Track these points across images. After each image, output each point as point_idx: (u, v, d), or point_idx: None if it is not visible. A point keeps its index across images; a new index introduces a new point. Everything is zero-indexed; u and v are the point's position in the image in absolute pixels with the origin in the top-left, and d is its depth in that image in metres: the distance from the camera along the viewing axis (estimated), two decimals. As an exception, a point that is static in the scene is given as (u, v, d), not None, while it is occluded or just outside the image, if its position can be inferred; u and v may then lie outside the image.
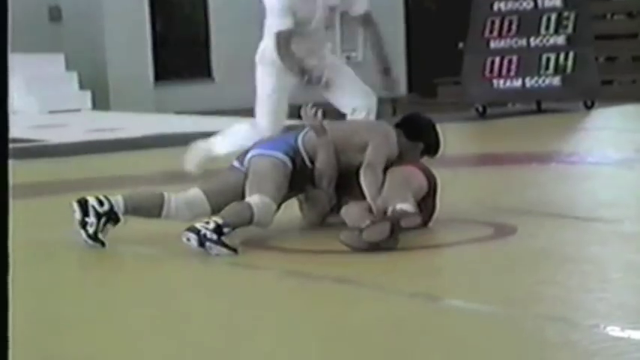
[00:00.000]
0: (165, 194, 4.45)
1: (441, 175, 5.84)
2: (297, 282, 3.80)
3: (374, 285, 3.73)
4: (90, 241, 4.28)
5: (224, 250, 4.10)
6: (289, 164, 4.47)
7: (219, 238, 4.09)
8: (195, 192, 4.47)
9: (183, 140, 9.86)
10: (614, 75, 14.10)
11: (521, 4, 11.59)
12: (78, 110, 14.59)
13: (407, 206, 4.15)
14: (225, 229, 4.13)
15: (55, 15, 16.46)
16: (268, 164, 4.45)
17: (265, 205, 4.30)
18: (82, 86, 15.40)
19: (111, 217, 4.29)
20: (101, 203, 4.27)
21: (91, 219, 4.26)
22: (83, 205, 4.28)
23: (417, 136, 4.69)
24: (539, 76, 11.36)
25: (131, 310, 3.47)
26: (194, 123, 11.92)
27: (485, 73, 11.34)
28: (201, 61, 17.07)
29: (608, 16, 15.00)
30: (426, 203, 4.45)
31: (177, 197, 4.45)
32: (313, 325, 3.16)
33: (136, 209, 4.41)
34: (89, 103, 15.11)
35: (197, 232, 4.09)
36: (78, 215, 4.28)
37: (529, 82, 11.29)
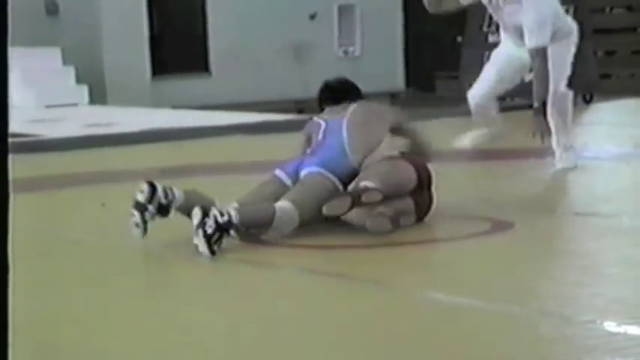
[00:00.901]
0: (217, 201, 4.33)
1: (438, 169, 5.83)
2: (297, 277, 3.80)
3: (370, 280, 3.73)
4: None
5: (204, 247, 4.01)
6: (340, 188, 4.39)
7: (218, 235, 4.03)
8: (233, 205, 4.30)
9: (180, 135, 9.90)
10: (613, 69, 14.09)
11: (519, -2, 11.55)
12: (75, 105, 14.57)
13: (369, 183, 4.19)
14: (232, 231, 4.08)
15: (52, 9, 16.43)
16: (319, 182, 4.36)
17: (289, 214, 4.23)
18: (78, 81, 15.38)
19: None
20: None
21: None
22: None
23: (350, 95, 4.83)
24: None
25: (132, 306, 3.47)
26: (191, 117, 11.91)
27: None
28: (199, 56, 17.06)
29: (607, 9, 14.98)
30: (421, 197, 4.45)
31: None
32: (313, 320, 3.16)
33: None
34: (86, 98, 15.09)
35: (203, 219, 4.02)
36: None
37: (527, 77, 11.26)
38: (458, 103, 11.86)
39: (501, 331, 2.94)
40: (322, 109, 4.79)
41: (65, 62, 15.49)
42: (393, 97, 16.86)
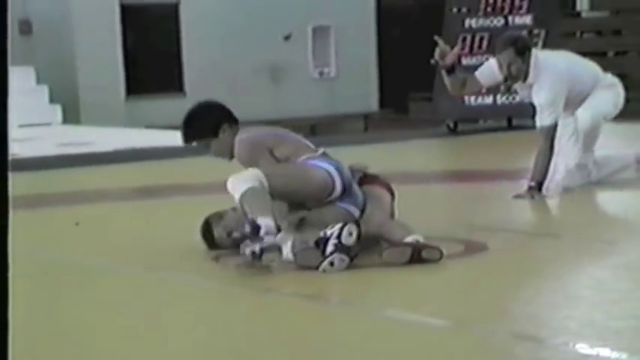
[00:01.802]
0: None
1: (411, 191, 5.86)
2: (266, 297, 3.80)
3: (344, 301, 3.73)
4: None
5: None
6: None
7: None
8: None
9: (155, 154, 9.88)
10: (584, 92, 14.21)
11: (492, 21, 11.68)
12: (48, 124, 14.52)
13: (419, 237, 4.19)
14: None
15: (25, 28, 16.39)
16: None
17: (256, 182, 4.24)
18: (52, 100, 15.33)
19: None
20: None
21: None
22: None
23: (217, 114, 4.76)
24: (510, 93, 11.45)
25: (103, 327, 3.45)
26: (165, 137, 11.89)
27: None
28: (173, 76, 17.06)
29: (578, 34, 15.15)
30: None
31: None
32: (283, 341, 3.16)
33: None
34: (60, 117, 15.04)
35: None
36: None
37: (500, 99, 11.37)
38: (431, 124, 11.95)
39: (474, 354, 2.96)
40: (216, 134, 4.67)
41: (39, 81, 15.45)
42: (366, 119, 16.93)
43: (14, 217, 5.34)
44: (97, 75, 16.10)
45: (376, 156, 6.30)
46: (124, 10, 16.70)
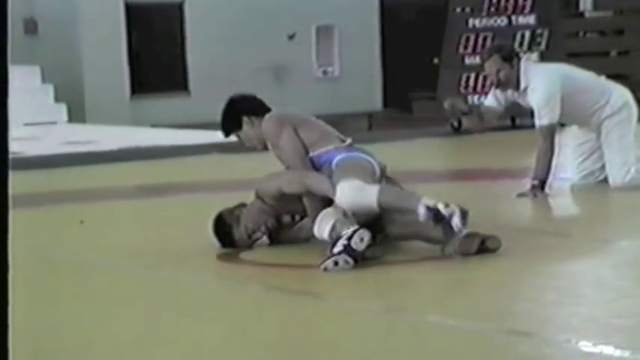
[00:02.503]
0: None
1: (415, 190, 5.87)
2: (273, 297, 3.82)
3: (345, 299, 3.75)
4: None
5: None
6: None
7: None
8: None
9: (159, 153, 9.90)
10: (587, 92, 14.21)
11: (495, 21, 11.70)
12: (54, 123, 14.55)
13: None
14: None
15: (31, 28, 16.42)
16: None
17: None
18: (57, 99, 15.36)
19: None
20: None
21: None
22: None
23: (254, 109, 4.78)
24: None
25: (105, 325, 3.47)
26: (170, 136, 11.92)
27: (460, 88, 11.43)
28: (178, 75, 17.08)
29: (581, 34, 15.15)
30: None
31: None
32: (281, 340, 3.17)
33: None
34: (65, 116, 15.07)
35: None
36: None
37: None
38: (435, 123, 11.96)
39: (478, 351, 2.97)
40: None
41: (44, 80, 15.47)
42: (370, 118, 16.94)
43: (20, 215, 5.38)
44: (102, 74, 16.13)
45: (380, 155, 6.30)
46: (129, 9, 16.72)
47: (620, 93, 6.27)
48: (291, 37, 17.88)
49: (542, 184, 5.87)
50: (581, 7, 15.87)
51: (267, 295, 3.84)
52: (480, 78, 11.42)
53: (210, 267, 4.33)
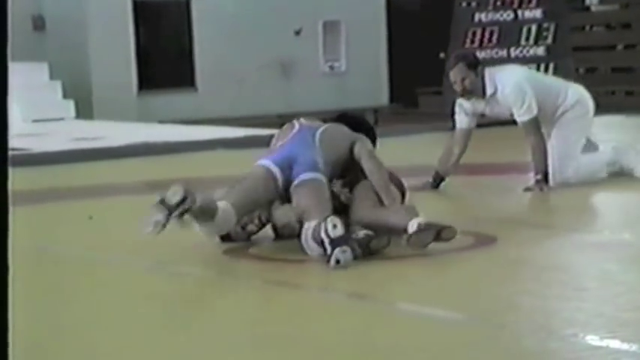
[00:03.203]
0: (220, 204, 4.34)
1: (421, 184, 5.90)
2: (277, 291, 3.84)
3: (353, 294, 3.77)
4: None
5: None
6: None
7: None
8: (224, 206, 4.30)
9: (167, 149, 9.92)
10: (593, 86, 14.19)
11: (501, 15, 11.69)
12: (61, 119, 14.57)
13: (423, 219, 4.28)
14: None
15: (39, 24, 16.44)
16: (318, 194, 4.38)
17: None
18: (65, 95, 15.38)
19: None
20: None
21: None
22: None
23: (358, 131, 4.74)
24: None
25: (113, 320, 3.49)
26: (177, 132, 11.94)
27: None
28: (185, 71, 17.09)
29: (587, 27, 15.13)
30: None
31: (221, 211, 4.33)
32: (286, 332, 3.19)
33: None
34: (73, 112, 15.09)
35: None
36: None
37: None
38: (441, 118, 11.95)
39: (484, 346, 2.99)
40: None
41: (52, 77, 15.49)
42: (376, 113, 16.94)
43: (28, 212, 5.43)
44: (109, 70, 16.15)
45: (386, 150, 6.32)
46: (137, 5, 16.74)
47: (574, 89, 6.31)
48: (297, 33, 17.88)
49: (546, 177, 5.89)
50: (588, 1, 15.86)
51: (273, 289, 3.86)
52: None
53: (216, 262, 4.35)
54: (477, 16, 11.71)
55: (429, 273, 4.12)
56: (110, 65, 16.14)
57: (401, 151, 6.32)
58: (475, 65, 5.95)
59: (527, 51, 11.44)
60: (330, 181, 4.52)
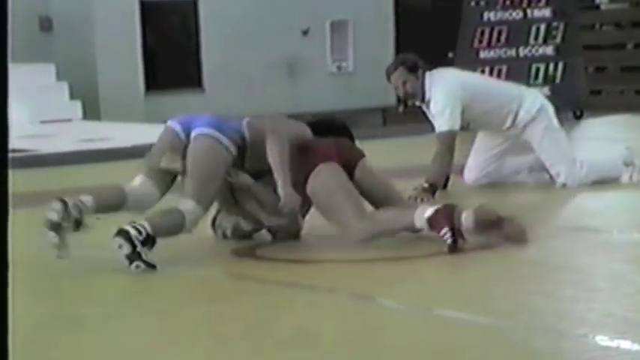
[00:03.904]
0: (126, 189, 4.40)
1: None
2: (285, 292, 3.82)
3: (361, 295, 3.75)
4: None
5: (143, 266, 4.06)
6: (233, 152, 4.33)
7: (146, 250, 4.07)
8: (141, 180, 4.38)
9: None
10: (603, 85, 14.17)
11: (510, 14, 11.65)
12: (69, 120, 14.59)
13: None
14: (149, 245, 4.10)
15: (46, 25, 16.48)
16: (211, 156, 4.29)
17: (197, 215, 4.24)
18: (72, 96, 15.41)
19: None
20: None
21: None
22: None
23: (328, 132, 4.64)
24: (529, 85, 11.40)
25: (121, 320, 3.48)
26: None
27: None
28: (192, 72, 17.11)
29: (597, 26, 15.08)
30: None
31: (132, 191, 4.38)
32: (297, 333, 3.17)
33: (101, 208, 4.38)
34: (80, 113, 15.12)
35: (132, 244, 4.05)
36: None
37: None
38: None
39: (495, 346, 2.97)
40: None
41: (59, 78, 15.52)
42: (384, 113, 16.92)
43: (35, 213, 5.38)
44: (116, 71, 16.17)
45: (395, 150, 6.31)
46: (144, 6, 16.76)
47: (533, 97, 6.22)
48: (305, 33, 17.88)
49: (434, 189, 5.71)
50: (597, 0, 15.81)
51: (281, 290, 3.84)
52: (495, 71, 11.38)
53: (224, 262, 4.33)
54: (485, 15, 11.68)
55: (439, 274, 4.09)
56: (117, 66, 16.16)
57: (410, 151, 6.29)
58: (415, 69, 5.93)
59: (537, 50, 11.41)
60: (256, 177, 4.45)
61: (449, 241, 4.09)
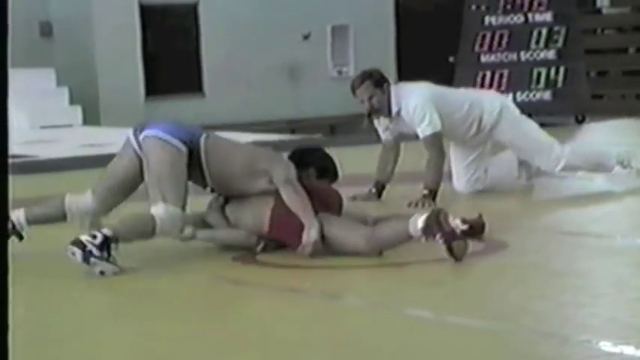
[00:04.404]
0: (66, 199, 4.47)
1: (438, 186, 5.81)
2: (286, 297, 3.81)
3: (362, 300, 3.73)
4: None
5: (109, 267, 4.05)
6: (184, 151, 4.31)
7: (104, 253, 4.05)
8: (87, 195, 4.46)
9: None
10: (605, 89, 14.16)
11: (512, 18, 11.66)
12: (69, 125, 14.60)
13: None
14: (114, 245, 4.08)
15: (46, 30, 16.49)
16: (165, 157, 4.27)
17: (172, 215, 4.21)
18: (72, 101, 15.42)
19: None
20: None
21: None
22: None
23: (307, 164, 4.64)
24: (530, 90, 11.42)
25: (123, 324, 3.46)
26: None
27: (476, 87, 11.39)
28: (192, 76, 17.11)
29: (599, 30, 15.07)
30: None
31: (76, 205, 4.45)
32: (300, 339, 3.16)
33: (38, 219, 4.48)
34: (80, 119, 15.13)
35: (83, 247, 4.03)
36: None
37: (520, 97, 11.34)
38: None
39: (497, 351, 2.95)
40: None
41: (59, 83, 15.53)
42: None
43: (36, 218, 5.22)
44: (116, 76, 16.17)
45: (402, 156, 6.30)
46: (144, 10, 16.77)
47: (491, 99, 6.22)
48: (306, 37, 17.88)
49: (434, 194, 5.71)
50: (599, 4, 15.81)
51: (282, 295, 3.83)
52: (497, 76, 11.38)
53: (225, 269, 4.31)
54: (486, 20, 11.69)
55: (439, 278, 4.07)
56: (117, 71, 16.17)
57: (412, 156, 6.27)
58: (381, 83, 5.89)
59: (538, 54, 11.41)
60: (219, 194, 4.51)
61: (444, 246, 4.08)
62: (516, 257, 4.33)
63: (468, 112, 6.00)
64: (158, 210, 4.20)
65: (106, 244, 4.06)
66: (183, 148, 4.31)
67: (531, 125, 6.18)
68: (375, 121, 6.14)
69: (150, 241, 4.36)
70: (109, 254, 4.07)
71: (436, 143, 5.83)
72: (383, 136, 6.16)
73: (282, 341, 3.16)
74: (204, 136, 4.44)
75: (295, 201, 4.32)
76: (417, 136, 5.95)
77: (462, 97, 6.19)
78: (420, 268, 4.16)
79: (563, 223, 5.53)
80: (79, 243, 4.04)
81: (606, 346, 2.89)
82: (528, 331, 3.11)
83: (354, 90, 5.98)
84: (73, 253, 4.05)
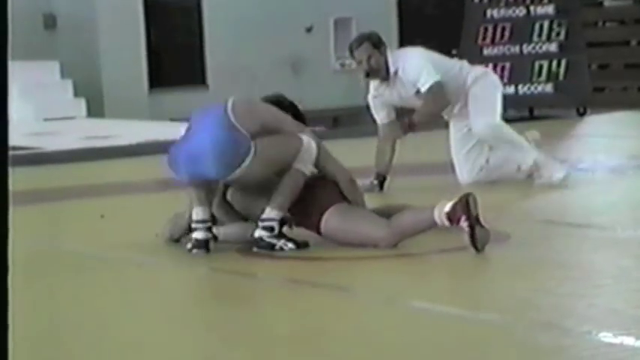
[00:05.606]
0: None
1: (434, 181, 5.87)
2: (293, 289, 3.83)
3: (364, 291, 3.75)
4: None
5: (289, 244, 4.26)
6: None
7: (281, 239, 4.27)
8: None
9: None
10: (606, 82, 14.15)
11: (514, 11, 11.65)
12: (73, 118, 14.61)
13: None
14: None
15: (50, 23, 16.48)
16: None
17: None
18: (76, 94, 15.42)
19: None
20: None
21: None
22: None
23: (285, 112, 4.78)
24: (532, 83, 11.41)
25: (130, 318, 3.49)
26: (188, 130, 11.92)
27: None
28: (196, 69, 17.10)
29: (600, 23, 15.05)
30: None
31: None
32: (303, 331, 3.18)
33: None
34: (84, 111, 15.13)
35: (271, 247, 4.25)
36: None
37: (522, 89, 11.35)
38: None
39: (498, 343, 2.97)
40: None
41: (63, 75, 15.53)
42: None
43: (39, 210, 5.41)
44: (120, 69, 16.17)
45: (399, 147, 6.33)
46: (147, 4, 16.76)
47: (479, 67, 6.48)
48: (308, 30, 17.86)
49: (413, 127, 6.01)
50: (601, -4, 15.77)
51: (288, 287, 3.85)
52: (498, 68, 11.38)
53: (232, 261, 4.34)
54: (488, 13, 11.67)
55: (440, 270, 4.10)
56: (121, 63, 16.16)
57: (414, 149, 6.29)
58: (379, 44, 6.03)
59: (540, 47, 11.40)
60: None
61: (466, 229, 4.06)
62: (518, 249, 4.35)
63: (459, 71, 6.18)
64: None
65: (280, 229, 4.27)
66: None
67: (497, 98, 6.24)
68: (371, 103, 6.18)
69: (153, 232, 4.38)
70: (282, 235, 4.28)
71: (439, 91, 5.97)
72: (381, 117, 6.21)
73: (287, 334, 3.18)
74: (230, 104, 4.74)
75: (287, 184, 4.36)
76: (417, 92, 6.01)
77: (454, 61, 6.42)
78: (422, 260, 4.18)
79: (564, 214, 5.55)
80: (265, 246, 4.25)
81: (607, 337, 2.91)
82: (528, 322, 3.13)
83: (352, 51, 6.10)
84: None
